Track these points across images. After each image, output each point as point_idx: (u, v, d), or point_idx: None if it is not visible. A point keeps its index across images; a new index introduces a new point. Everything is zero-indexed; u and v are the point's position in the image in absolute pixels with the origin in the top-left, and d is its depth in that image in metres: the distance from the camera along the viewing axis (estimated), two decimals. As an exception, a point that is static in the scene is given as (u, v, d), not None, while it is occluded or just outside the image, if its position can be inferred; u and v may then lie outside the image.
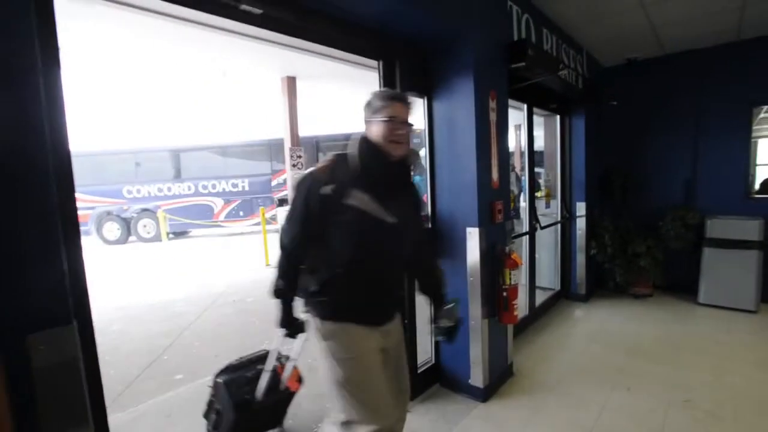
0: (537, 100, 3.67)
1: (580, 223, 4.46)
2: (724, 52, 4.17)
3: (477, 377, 2.57)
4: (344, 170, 1.36)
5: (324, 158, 1.43)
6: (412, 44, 2.43)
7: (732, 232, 3.96)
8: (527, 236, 3.80)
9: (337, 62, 2.54)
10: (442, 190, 2.68)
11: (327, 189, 1.32)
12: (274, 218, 9.45)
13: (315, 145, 10.76)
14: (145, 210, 10.90)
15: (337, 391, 1.38)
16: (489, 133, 2.58)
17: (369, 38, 2.18)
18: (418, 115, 2.65)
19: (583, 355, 3.21)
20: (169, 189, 11.00)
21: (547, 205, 4.86)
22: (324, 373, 1.41)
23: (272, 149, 10.89)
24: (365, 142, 1.40)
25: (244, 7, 1.54)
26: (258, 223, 10.66)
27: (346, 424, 1.37)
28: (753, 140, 4.20)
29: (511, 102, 2.89)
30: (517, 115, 3.47)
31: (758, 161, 4.15)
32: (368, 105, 1.44)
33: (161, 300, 5.21)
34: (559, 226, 4.48)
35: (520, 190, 7.29)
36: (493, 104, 2.60)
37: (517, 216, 4.98)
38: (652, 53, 4.40)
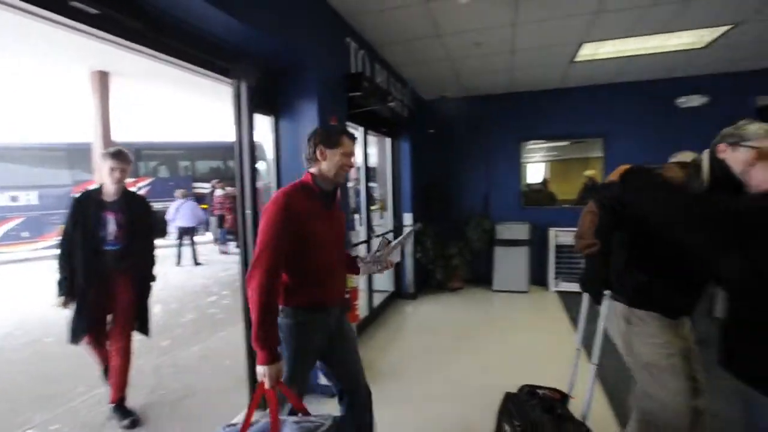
0: (371, 124, 4.16)
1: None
2: (504, 99, 5.56)
3: (328, 377, 2.76)
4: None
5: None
6: (261, 67, 2.52)
7: (511, 234, 5.27)
8: (365, 244, 4.23)
9: (163, 63, 2.17)
10: (291, 204, 2.81)
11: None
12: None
13: (134, 153, 9.36)
14: None
15: None
16: (332, 151, 2.85)
17: (222, 57, 2.18)
18: (266, 132, 2.75)
19: (414, 343, 3.78)
20: None
21: (381, 216, 5.47)
22: None
23: (74, 155, 8.98)
24: (720, 164, 1.36)
25: (74, 3, 1.40)
26: (52, 246, 8.60)
27: None
28: (523, 165, 5.71)
29: (349, 124, 3.25)
30: (355, 136, 3.88)
31: (527, 181, 5.75)
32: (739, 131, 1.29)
33: None
34: (391, 234, 5.10)
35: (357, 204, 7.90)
36: (335, 126, 2.89)
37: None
38: (459, 94, 5.52)
